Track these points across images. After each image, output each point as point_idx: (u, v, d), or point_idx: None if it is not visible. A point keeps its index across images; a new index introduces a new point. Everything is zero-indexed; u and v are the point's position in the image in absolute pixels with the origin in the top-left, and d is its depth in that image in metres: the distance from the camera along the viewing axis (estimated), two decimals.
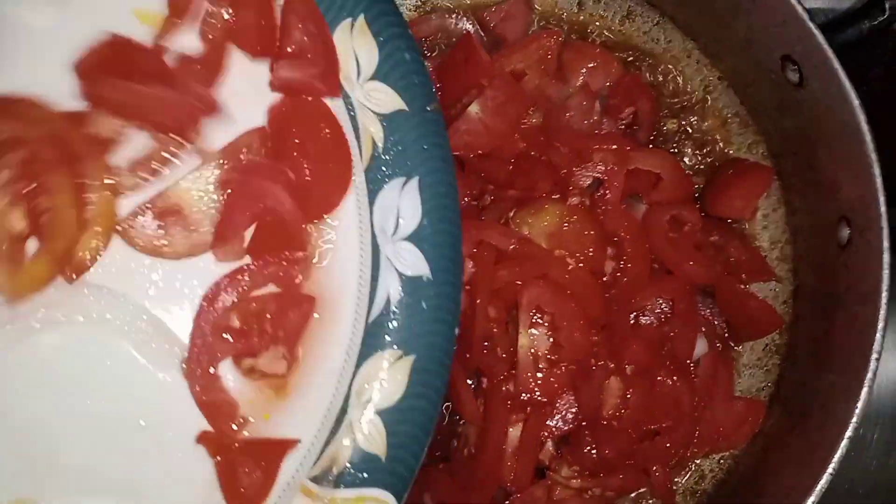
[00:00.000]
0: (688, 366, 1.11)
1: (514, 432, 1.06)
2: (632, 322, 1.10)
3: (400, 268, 0.92)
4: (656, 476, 1.11)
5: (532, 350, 1.04)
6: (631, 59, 1.23)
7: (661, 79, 1.23)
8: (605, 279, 1.10)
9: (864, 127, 0.94)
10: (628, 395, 1.07)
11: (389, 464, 0.90)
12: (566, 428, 1.07)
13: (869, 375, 0.92)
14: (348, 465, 0.91)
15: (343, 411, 0.91)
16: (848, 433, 0.92)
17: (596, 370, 1.06)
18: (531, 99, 1.15)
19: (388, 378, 0.91)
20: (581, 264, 1.05)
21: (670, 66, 1.23)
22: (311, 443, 0.91)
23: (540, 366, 1.04)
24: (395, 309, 0.92)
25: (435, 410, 0.91)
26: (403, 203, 0.92)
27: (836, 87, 0.96)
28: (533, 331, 1.04)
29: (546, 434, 1.07)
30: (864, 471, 1.30)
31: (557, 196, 1.08)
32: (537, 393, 1.04)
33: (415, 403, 0.91)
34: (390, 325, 0.92)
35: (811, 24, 0.95)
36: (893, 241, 0.94)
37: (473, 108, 1.10)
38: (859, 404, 0.92)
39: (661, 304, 1.12)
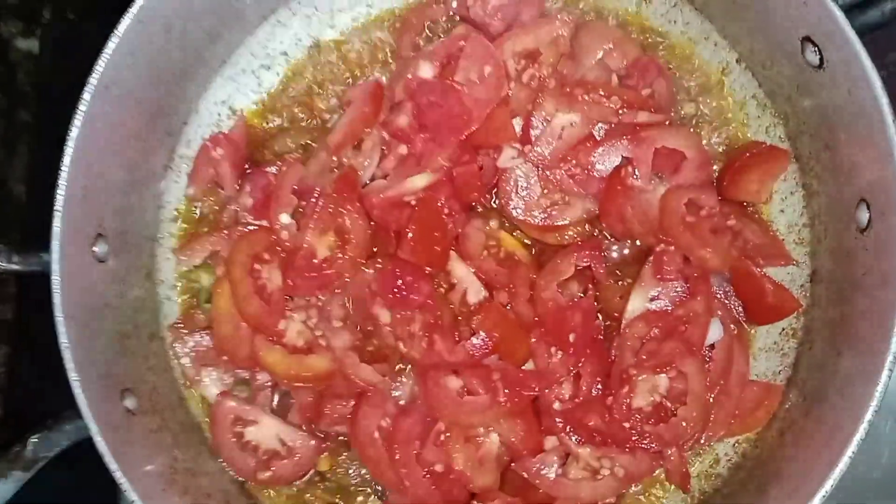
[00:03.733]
0: (701, 349, 1.11)
1: None
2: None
3: None
4: (671, 459, 1.12)
5: None
6: (648, 41, 1.22)
7: (678, 61, 1.22)
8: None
9: (886, 109, 0.93)
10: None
11: None
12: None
13: (889, 358, 0.92)
14: None
15: None
16: (868, 416, 0.92)
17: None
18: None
19: None
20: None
21: (687, 48, 1.22)
22: None
23: None
24: None
25: None
26: None
27: (857, 69, 0.95)
28: None
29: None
30: (877, 458, 1.32)
31: None
32: None
33: None
34: None
35: (833, 5, 0.94)
36: None
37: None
38: (879, 387, 0.92)
39: (676, 287, 1.12)
